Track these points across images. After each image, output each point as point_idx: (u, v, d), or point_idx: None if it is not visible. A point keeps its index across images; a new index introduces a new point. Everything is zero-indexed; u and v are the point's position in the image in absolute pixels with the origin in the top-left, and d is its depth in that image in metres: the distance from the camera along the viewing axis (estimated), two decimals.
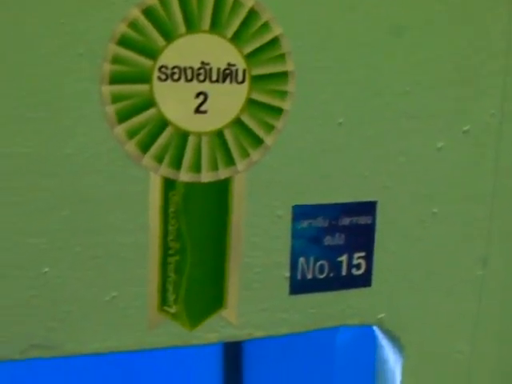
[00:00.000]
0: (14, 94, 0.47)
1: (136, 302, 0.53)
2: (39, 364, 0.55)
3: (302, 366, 0.84)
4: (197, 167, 0.52)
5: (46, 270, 0.51)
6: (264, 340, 0.57)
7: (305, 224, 0.56)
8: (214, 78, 0.51)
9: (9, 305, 0.50)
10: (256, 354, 0.86)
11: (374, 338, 0.65)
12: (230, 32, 0.51)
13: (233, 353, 0.85)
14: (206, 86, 0.51)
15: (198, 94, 0.52)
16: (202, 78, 0.51)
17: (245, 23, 0.52)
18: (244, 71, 0.52)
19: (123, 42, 0.49)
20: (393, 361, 0.63)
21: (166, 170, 0.52)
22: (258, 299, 0.56)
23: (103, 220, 0.51)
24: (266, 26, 0.52)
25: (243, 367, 0.86)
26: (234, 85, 0.52)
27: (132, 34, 0.49)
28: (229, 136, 0.53)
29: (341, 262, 0.57)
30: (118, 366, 0.80)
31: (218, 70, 0.51)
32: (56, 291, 0.51)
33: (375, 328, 0.62)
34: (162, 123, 0.51)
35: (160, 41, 0.50)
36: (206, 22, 0.50)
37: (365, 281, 0.59)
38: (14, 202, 0.49)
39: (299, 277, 0.57)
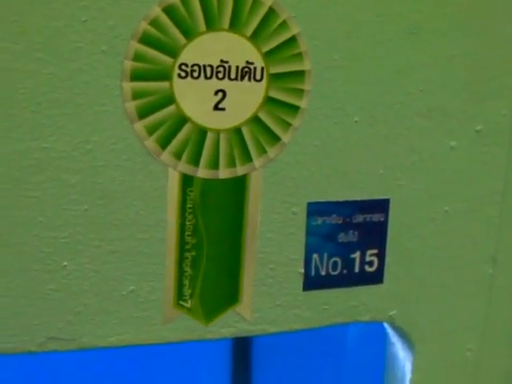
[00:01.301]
0: (37, 90, 0.48)
1: (153, 296, 0.54)
2: (56, 357, 0.55)
3: (311, 363, 0.85)
4: (214, 164, 0.53)
5: (65, 263, 0.51)
6: (274, 335, 0.58)
7: (319, 221, 0.56)
8: (233, 75, 0.52)
9: (27, 297, 0.51)
10: (265, 350, 0.87)
11: (384, 334, 0.65)
12: (249, 31, 0.52)
13: (241, 348, 0.86)
14: (224, 84, 0.52)
15: (217, 92, 0.52)
16: (221, 75, 0.52)
17: (264, 22, 0.52)
18: (262, 69, 0.53)
19: (144, 39, 0.50)
20: (403, 358, 0.63)
21: (184, 166, 0.52)
22: (272, 295, 0.57)
23: (122, 215, 0.52)
24: (284, 25, 0.53)
25: (252, 362, 0.86)
26: (253, 83, 0.53)
27: (153, 31, 0.50)
28: (246, 133, 0.53)
29: (354, 258, 0.58)
30: (126, 360, 0.81)
31: (237, 67, 0.52)
32: (74, 285, 0.52)
33: (386, 325, 0.63)
34: (182, 120, 0.52)
35: (180, 39, 0.50)
36: (226, 21, 0.51)
37: (377, 278, 0.60)
38: (35, 196, 0.50)
39: (313, 273, 0.57)
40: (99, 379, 0.80)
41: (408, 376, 0.62)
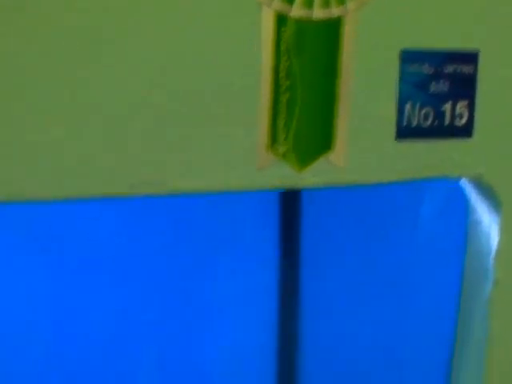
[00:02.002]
0: None
1: (246, 140, 0.53)
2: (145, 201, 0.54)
3: (382, 227, 0.83)
4: (309, 3, 0.52)
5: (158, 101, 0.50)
6: (363, 187, 0.56)
7: (412, 69, 0.55)
8: None
9: (118, 138, 0.50)
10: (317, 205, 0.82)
11: (465, 201, 0.64)
12: None
13: (291, 199, 0.81)
14: None
15: None
16: None
17: None
18: None
19: None
20: (487, 222, 0.62)
21: (278, 3, 0.51)
22: (365, 144, 0.56)
23: (214, 54, 0.51)
24: None
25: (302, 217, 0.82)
26: None
27: None
28: None
29: (444, 110, 0.57)
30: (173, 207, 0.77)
31: None
32: (166, 126, 0.51)
33: (470, 188, 0.62)
34: None
35: None
36: None
37: (467, 131, 0.59)
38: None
39: (404, 123, 0.56)
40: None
41: (494, 240, 0.61)
